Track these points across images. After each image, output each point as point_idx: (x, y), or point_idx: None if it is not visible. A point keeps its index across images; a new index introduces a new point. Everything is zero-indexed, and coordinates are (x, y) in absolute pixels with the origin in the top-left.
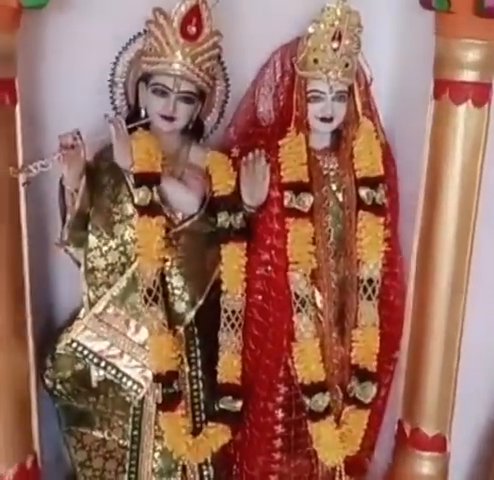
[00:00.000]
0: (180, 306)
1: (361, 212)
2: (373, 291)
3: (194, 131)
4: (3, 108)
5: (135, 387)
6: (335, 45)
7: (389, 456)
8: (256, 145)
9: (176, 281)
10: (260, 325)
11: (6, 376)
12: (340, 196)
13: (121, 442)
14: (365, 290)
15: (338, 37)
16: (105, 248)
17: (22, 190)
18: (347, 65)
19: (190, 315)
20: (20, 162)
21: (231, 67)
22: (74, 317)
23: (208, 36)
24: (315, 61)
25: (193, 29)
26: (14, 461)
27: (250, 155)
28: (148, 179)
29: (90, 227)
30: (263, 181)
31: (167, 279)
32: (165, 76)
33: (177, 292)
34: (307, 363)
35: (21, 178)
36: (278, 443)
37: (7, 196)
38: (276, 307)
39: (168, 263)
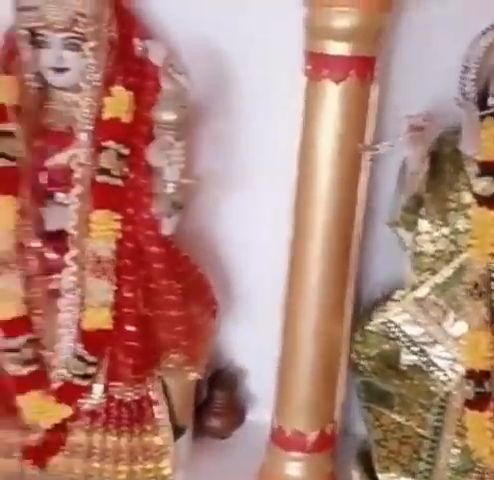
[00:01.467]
0: None
1: None
2: None
3: None
4: (363, 85)
5: (443, 378)
6: None
7: None
8: None
9: None
10: None
11: (322, 343)
12: None
13: (419, 430)
14: None
15: None
16: (436, 234)
17: (366, 165)
18: None
19: None
20: (368, 138)
21: None
22: (387, 297)
23: None
24: None
25: None
26: (317, 425)
27: None
28: (493, 169)
29: (423, 211)
30: None
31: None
32: None
33: None
34: None
35: (367, 154)
36: None
37: (350, 169)
38: None
39: None
